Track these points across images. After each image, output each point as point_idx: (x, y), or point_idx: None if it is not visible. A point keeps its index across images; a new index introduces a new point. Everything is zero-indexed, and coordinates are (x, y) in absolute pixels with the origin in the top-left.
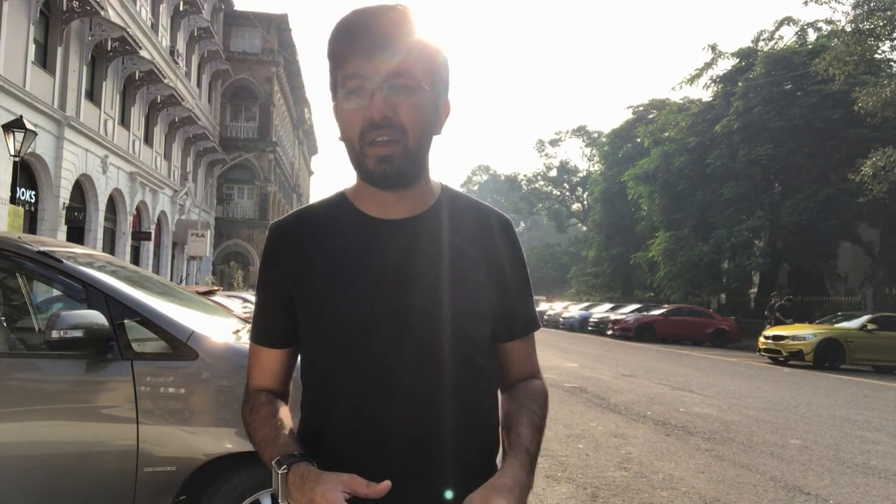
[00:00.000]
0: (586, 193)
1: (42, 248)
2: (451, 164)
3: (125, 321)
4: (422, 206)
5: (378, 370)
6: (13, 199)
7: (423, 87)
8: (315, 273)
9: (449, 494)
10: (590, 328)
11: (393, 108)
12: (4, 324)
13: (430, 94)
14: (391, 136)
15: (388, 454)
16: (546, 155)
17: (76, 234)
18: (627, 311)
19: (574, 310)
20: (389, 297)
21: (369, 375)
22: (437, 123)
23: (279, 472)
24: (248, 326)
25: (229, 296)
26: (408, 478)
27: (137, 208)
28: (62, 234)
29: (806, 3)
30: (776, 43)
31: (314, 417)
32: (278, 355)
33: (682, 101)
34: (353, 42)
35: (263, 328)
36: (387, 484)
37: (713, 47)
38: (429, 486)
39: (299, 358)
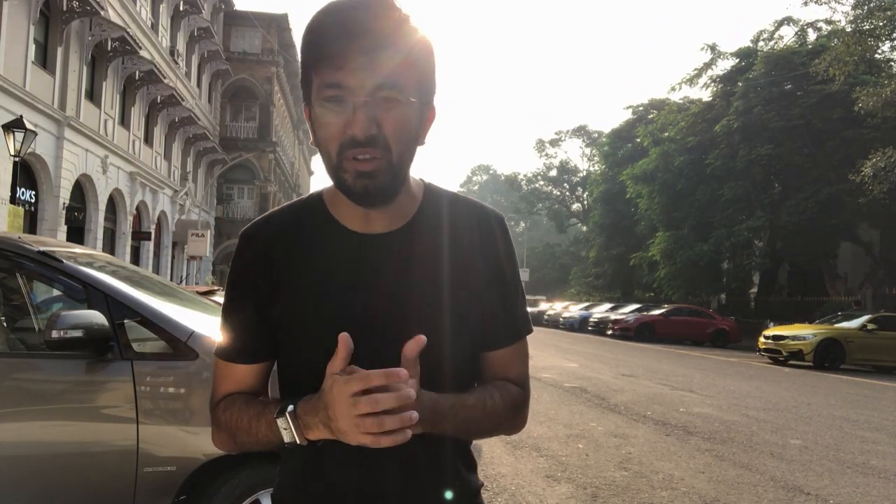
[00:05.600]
0: (586, 194)
1: (42, 248)
2: (451, 164)
3: (125, 321)
4: (403, 217)
5: None
6: (13, 199)
7: (410, 100)
8: (291, 291)
9: (449, 495)
10: (590, 328)
11: (378, 124)
12: (4, 324)
13: (416, 104)
14: (374, 154)
15: (374, 481)
16: (546, 155)
17: (76, 234)
18: (627, 311)
19: (574, 310)
20: (367, 320)
21: None
22: (422, 133)
23: (287, 410)
24: None
25: None
26: (386, 486)
27: (137, 208)
28: (62, 234)
29: (806, 3)
30: (776, 43)
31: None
32: (253, 369)
33: (681, 101)
34: (331, 44)
35: (235, 345)
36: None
37: (712, 47)
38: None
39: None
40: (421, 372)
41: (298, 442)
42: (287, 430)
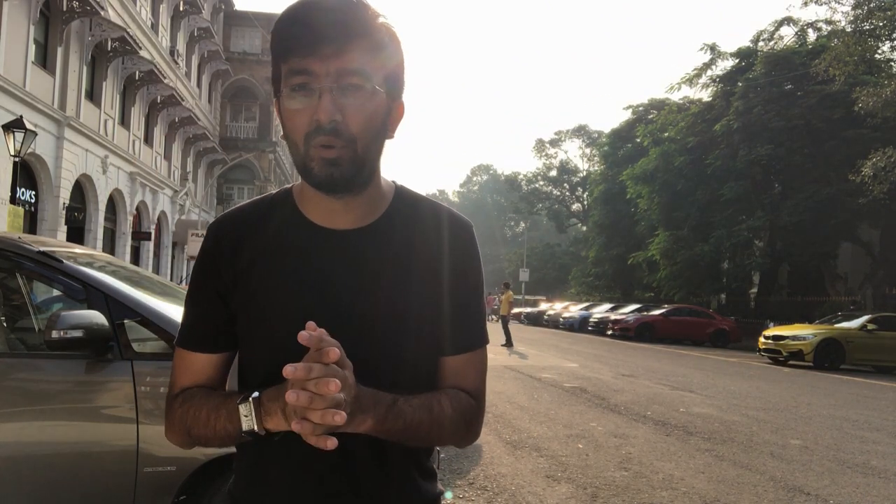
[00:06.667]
0: (586, 194)
1: (42, 248)
2: (451, 164)
3: (125, 321)
4: (370, 215)
5: None
6: (13, 199)
7: (376, 89)
8: (253, 281)
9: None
10: (590, 328)
11: (342, 111)
12: (4, 324)
13: (383, 95)
14: (338, 142)
15: (329, 470)
16: (546, 155)
17: (76, 234)
18: (627, 311)
19: (574, 310)
20: (330, 317)
21: None
22: (390, 127)
23: (252, 397)
24: None
25: None
26: (346, 486)
27: (137, 208)
28: (62, 234)
29: (806, 3)
30: (776, 43)
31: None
32: (213, 359)
33: (681, 101)
34: (300, 34)
35: (196, 332)
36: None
37: (712, 47)
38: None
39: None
40: (377, 372)
41: (256, 429)
42: (248, 418)
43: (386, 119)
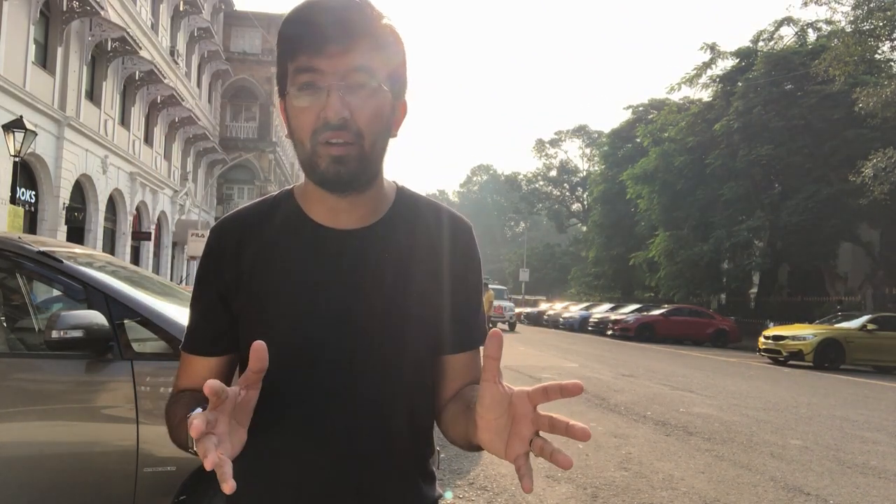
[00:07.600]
0: (586, 194)
1: (42, 248)
2: (451, 164)
3: (125, 321)
4: (374, 214)
5: (320, 392)
6: (13, 199)
7: (383, 88)
8: (255, 282)
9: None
10: (590, 328)
11: (350, 109)
12: (4, 324)
13: (388, 94)
14: (346, 139)
15: (331, 473)
16: (546, 155)
17: (76, 234)
18: (627, 311)
19: (574, 310)
20: (334, 317)
21: (310, 400)
22: (394, 126)
23: (197, 411)
24: None
25: None
26: (348, 489)
27: (137, 208)
28: (62, 234)
29: (806, 3)
30: (776, 43)
31: (257, 430)
32: (213, 364)
33: (681, 102)
34: (307, 32)
35: (198, 335)
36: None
37: (712, 47)
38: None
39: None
40: (378, 373)
41: (191, 446)
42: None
43: (391, 117)
